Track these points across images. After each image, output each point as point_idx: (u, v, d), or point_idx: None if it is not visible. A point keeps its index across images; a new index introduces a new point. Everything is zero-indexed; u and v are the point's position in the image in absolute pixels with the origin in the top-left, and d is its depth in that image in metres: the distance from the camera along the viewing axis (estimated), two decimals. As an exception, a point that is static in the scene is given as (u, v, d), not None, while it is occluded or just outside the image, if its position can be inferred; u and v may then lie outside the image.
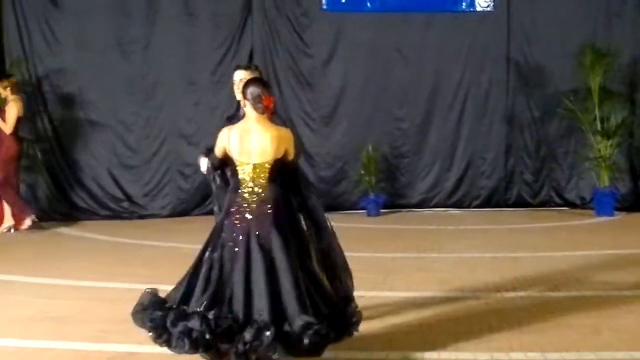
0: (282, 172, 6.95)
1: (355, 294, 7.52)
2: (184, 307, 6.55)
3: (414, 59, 16.82)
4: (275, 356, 6.30)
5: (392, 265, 11.32)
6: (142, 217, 16.09)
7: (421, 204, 16.87)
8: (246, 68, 7.89)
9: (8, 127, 14.50)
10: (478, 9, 16.92)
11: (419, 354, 7.23)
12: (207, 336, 6.32)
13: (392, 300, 9.22)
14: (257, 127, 6.85)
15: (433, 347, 7.43)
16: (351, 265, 11.10)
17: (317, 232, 7.31)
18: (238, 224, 6.73)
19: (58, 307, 8.90)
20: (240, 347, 6.31)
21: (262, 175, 6.81)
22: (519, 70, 16.95)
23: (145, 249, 12.77)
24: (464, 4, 16.92)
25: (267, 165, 6.81)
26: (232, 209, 6.81)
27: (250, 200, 6.79)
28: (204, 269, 6.71)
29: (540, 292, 9.52)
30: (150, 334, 6.57)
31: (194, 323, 6.36)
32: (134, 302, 8.86)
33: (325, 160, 16.71)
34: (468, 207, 16.88)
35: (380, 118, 16.70)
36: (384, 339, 7.71)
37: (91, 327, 8.11)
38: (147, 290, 6.84)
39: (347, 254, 11.23)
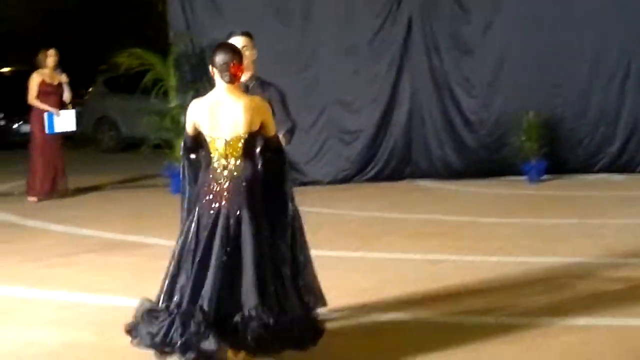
0: (265, 149, 6.40)
1: (519, 259, 7.48)
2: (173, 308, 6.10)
3: (575, 23, 16.47)
4: (205, 347, 5.85)
5: (555, 231, 11.19)
6: (304, 184, 16.28)
7: (584, 169, 16.57)
8: (244, 34, 7.33)
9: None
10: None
11: (582, 319, 7.17)
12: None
13: (556, 266, 9.14)
14: (228, 97, 6.25)
15: (600, 312, 7.35)
16: (514, 231, 11.14)
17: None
18: (208, 205, 6.20)
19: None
20: (170, 335, 5.91)
21: (236, 151, 6.19)
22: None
23: (307, 216, 12.91)
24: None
25: (240, 139, 6.18)
26: (203, 189, 6.28)
27: (222, 178, 6.20)
28: (177, 261, 6.27)
29: None
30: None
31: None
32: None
33: (486, 127, 16.56)
34: (633, 172, 16.49)
35: (542, 83, 16.42)
36: (549, 305, 7.66)
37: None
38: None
39: (507, 220, 11.22)
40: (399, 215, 12.68)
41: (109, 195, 15.40)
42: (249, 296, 5.98)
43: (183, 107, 15.80)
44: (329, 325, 7.09)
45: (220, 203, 6.15)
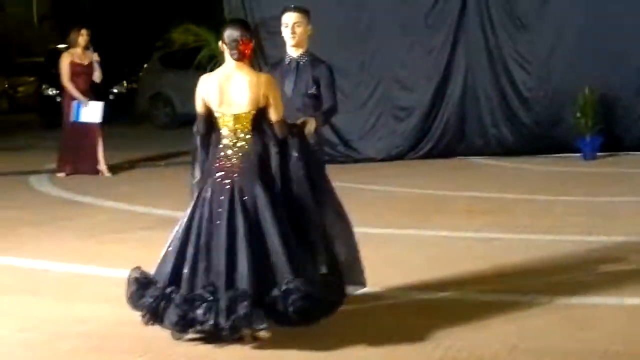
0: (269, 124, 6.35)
1: (573, 237, 7.39)
2: (173, 288, 6.16)
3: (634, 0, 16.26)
4: (257, 327, 5.97)
5: (610, 209, 11.09)
6: (356, 160, 16.27)
7: (639, 147, 16.37)
8: (296, 10, 7.23)
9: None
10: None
11: (635, 299, 7.11)
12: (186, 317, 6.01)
13: (610, 245, 9.07)
14: (236, 73, 6.28)
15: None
16: (568, 208, 11.06)
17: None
18: (220, 181, 6.24)
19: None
20: (214, 320, 5.93)
21: (245, 126, 6.26)
22: None
23: (359, 192, 12.94)
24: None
25: (249, 115, 6.25)
26: (213, 166, 6.31)
27: (232, 154, 6.26)
28: (186, 239, 6.25)
29: None
30: (142, 318, 6.26)
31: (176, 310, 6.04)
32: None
33: (541, 103, 16.42)
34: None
35: (598, 60, 16.23)
36: (602, 284, 7.60)
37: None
38: (134, 270, 6.46)
39: (564, 197, 11.13)
40: (451, 193, 12.64)
41: (162, 172, 15.52)
42: (282, 270, 6.03)
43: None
44: (379, 303, 7.18)
45: (232, 179, 6.19)
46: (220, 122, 6.30)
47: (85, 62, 14.97)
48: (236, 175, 6.21)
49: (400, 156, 16.38)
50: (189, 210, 6.32)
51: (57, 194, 13.20)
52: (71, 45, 15.06)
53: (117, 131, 19.18)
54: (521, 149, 16.19)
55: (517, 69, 16.47)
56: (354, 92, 16.50)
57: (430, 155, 16.29)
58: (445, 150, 16.38)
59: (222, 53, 6.49)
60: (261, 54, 15.96)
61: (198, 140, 6.52)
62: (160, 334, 6.27)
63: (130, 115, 25.27)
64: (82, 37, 14.96)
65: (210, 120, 6.40)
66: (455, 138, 16.45)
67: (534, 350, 6.05)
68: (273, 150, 6.33)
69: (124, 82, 27.27)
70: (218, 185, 6.22)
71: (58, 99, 25.04)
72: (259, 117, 6.28)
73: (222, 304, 5.93)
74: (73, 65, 14.85)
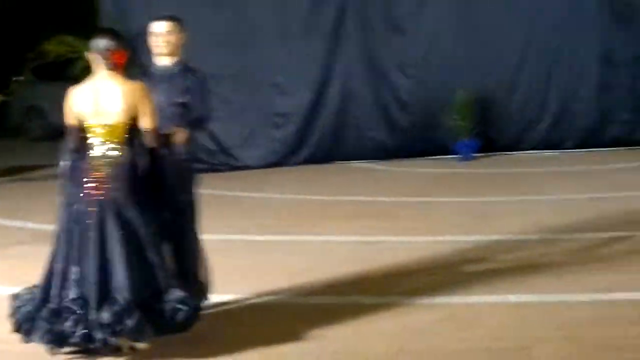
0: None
1: (452, 238, 7.49)
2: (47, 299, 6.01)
3: (506, 0, 16.57)
4: (142, 338, 5.90)
5: (487, 209, 11.25)
6: (235, 168, 16.18)
7: (515, 147, 16.68)
8: (168, 18, 7.13)
9: None
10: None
11: (514, 296, 7.21)
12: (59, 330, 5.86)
13: (488, 244, 9.18)
14: (108, 83, 6.13)
15: (532, 289, 7.40)
16: (447, 210, 11.20)
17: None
18: (90, 193, 6.05)
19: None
20: (84, 332, 5.80)
21: (117, 137, 6.10)
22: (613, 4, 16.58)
23: (239, 200, 12.88)
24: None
25: (121, 125, 6.10)
26: (84, 178, 6.10)
27: (104, 165, 6.09)
28: (56, 252, 6.12)
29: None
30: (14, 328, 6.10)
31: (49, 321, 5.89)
32: (230, 254, 9.02)
33: (419, 106, 16.58)
34: (563, 148, 16.63)
35: (473, 61, 16.49)
36: (481, 283, 7.68)
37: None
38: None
39: (443, 199, 11.28)
40: (332, 198, 12.67)
41: (38, 185, 15.19)
42: (161, 280, 6.00)
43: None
44: (261, 309, 7.20)
45: (104, 190, 6.05)
46: (92, 133, 6.14)
47: None
48: (107, 186, 6.05)
49: (279, 163, 16.34)
50: (59, 223, 6.18)
51: None
52: None
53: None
54: (400, 152, 16.34)
55: (395, 72, 16.61)
56: (232, 99, 16.40)
57: (309, 161, 16.30)
58: (325, 155, 16.40)
59: (93, 63, 6.31)
60: (138, 65, 15.76)
61: (68, 156, 6.28)
62: (40, 350, 6.11)
63: (2, 127, 24.72)
64: None
65: (81, 132, 6.20)
66: (334, 143, 16.49)
67: (420, 352, 6.07)
68: (145, 160, 6.18)
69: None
70: (89, 197, 6.06)
71: None
72: (132, 127, 6.14)
73: (100, 316, 5.80)
74: None
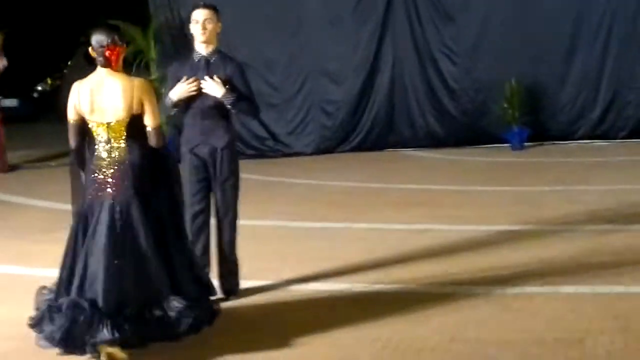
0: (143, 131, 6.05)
1: (503, 227, 7.44)
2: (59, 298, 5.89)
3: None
4: (142, 343, 5.74)
5: (538, 198, 11.22)
6: (286, 155, 16.26)
7: (565, 137, 16.58)
8: (206, 6, 7.27)
9: None
10: None
11: (568, 287, 7.19)
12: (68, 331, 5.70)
13: (541, 233, 9.16)
14: (107, 79, 5.98)
15: (586, 280, 7.37)
16: (497, 199, 11.17)
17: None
18: (95, 193, 5.95)
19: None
20: (99, 336, 5.63)
21: (120, 134, 5.95)
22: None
23: (291, 187, 12.94)
24: None
25: (123, 123, 5.94)
26: (89, 177, 6.01)
27: (106, 165, 5.95)
28: (72, 250, 5.99)
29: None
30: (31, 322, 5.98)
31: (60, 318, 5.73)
32: (285, 239, 9.08)
33: (468, 94, 16.55)
34: (614, 138, 16.51)
35: (524, 50, 16.39)
36: (535, 273, 7.68)
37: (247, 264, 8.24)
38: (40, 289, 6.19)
39: (491, 188, 11.23)
40: (382, 185, 12.69)
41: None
42: (163, 286, 5.86)
43: (164, 80, 15.80)
44: (316, 296, 7.20)
45: (107, 191, 5.91)
46: (94, 131, 6.00)
47: None
48: (110, 187, 5.92)
49: (329, 150, 16.40)
50: (71, 226, 6.07)
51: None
52: None
53: (42, 128, 18.94)
54: (449, 140, 16.33)
55: (444, 60, 16.58)
56: (282, 86, 16.48)
57: (359, 148, 16.34)
58: (375, 143, 16.44)
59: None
60: (188, 51, 15.85)
61: (73, 156, 6.22)
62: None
63: (55, 112, 24.96)
64: None
65: (83, 130, 6.08)
66: (384, 130, 16.52)
67: (473, 341, 6.08)
68: (148, 159, 6.03)
69: (48, 79, 26.94)
70: (93, 199, 5.94)
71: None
72: (134, 125, 5.97)
73: (100, 319, 5.65)
74: None
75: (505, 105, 15.93)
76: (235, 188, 7.24)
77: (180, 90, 7.10)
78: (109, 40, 5.97)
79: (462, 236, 9.17)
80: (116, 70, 6.00)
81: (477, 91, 16.49)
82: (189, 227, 6.79)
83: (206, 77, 7.06)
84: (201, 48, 7.23)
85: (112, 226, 5.81)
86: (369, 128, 16.46)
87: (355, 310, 6.82)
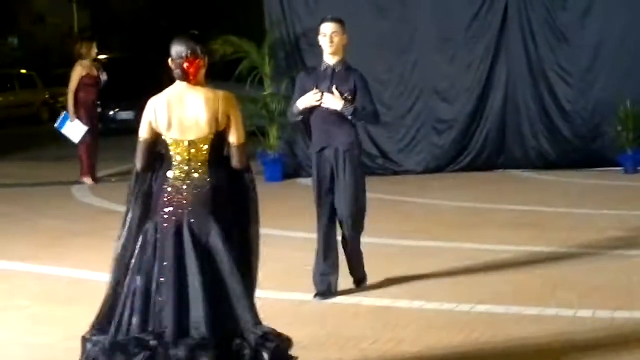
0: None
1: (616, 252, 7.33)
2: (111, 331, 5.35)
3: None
4: None
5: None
6: (396, 173, 16.28)
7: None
8: (334, 20, 7.75)
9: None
10: None
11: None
12: None
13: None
14: (189, 93, 5.43)
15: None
16: (608, 223, 11.02)
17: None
18: (168, 217, 5.34)
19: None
20: None
21: (201, 154, 5.39)
22: None
23: (400, 205, 12.95)
24: None
25: (205, 141, 5.38)
26: (160, 201, 5.40)
27: (184, 187, 5.37)
28: (129, 278, 5.39)
29: None
30: None
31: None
32: (388, 257, 9.12)
33: (582, 116, 16.35)
34: None
35: (638, 72, 16.15)
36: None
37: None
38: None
39: (603, 212, 11.12)
40: (492, 206, 12.61)
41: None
42: (244, 314, 5.27)
43: (278, 95, 16.01)
44: (415, 315, 7.26)
45: (183, 215, 5.33)
46: (172, 149, 5.42)
47: (95, 74, 15.40)
48: (187, 210, 5.34)
49: (440, 169, 16.36)
50: (132, 252, 5.45)
51: (100, 204, 13.30)
52: (81, 57, 15.35)
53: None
54: (561, 162, 16.13)
55: (558, 81, 16.41)
56: (394, 104, 16.51)
57: (470, 168, 16.26)
58: (485, 163, 16.34)
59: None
60: (302, 65, 16.03)
61: (135, 177, 5.58)
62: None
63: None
64: (93, 50, 15.47)
65: (153, 151, 5.51)
66: (495, 151, 16.41)
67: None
68: (229, 181, 5.49)
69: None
70: (166, 222, 5.35)
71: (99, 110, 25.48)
72: (218, 143, 5.43)
73: (176, 352, 5.13)
74: (85, 77, 15.21)
75: (620, 128, 15.70)
76: (357, 186, 7.96)
77: (306, 100, 7.67)
78: (189, 52, 5.44)
79: (570, 259, 9.13)
80: (196, 85, 5.47)
81: (591, 113, 16.29)
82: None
83: (325, 93, 7.62)
84: (329, 59, 7.80)
85: (198, 253, 5.26)
86: (480, 148, 16.37)
87: (461, 333, 6.83)
